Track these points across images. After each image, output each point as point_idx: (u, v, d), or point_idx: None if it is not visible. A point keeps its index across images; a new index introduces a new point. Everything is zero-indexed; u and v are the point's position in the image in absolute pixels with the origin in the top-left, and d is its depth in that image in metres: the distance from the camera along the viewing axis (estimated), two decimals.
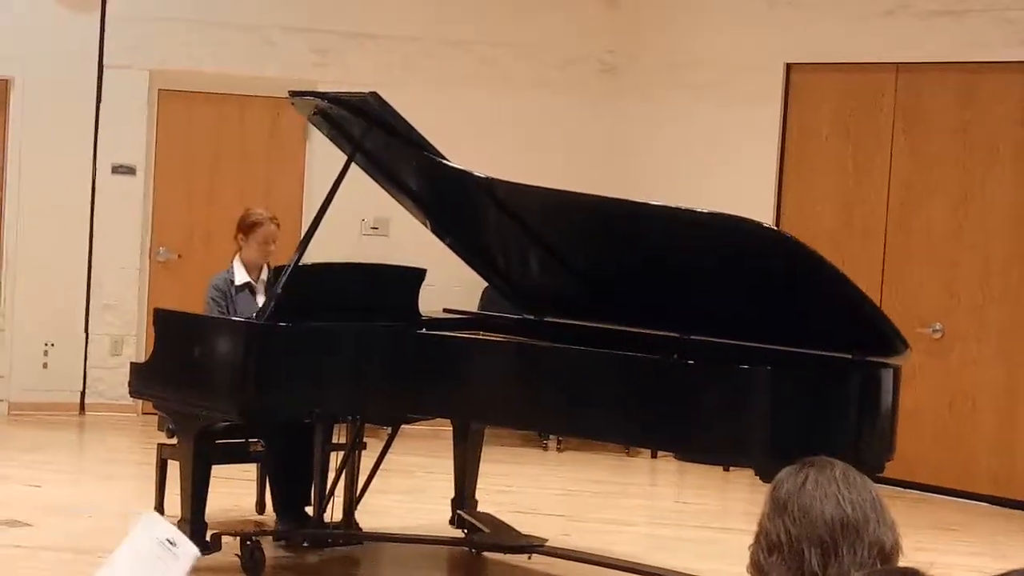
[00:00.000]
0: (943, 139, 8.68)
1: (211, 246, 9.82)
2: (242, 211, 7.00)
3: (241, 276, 6.73)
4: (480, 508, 6.74)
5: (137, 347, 9.58)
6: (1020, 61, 8.39)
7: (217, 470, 6.20)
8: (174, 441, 6.41)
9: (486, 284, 7.21)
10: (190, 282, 9.67)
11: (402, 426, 6.52)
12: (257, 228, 6.77)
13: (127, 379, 6.36)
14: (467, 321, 6.62)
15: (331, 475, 6.24)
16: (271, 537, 6.26)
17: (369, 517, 6.60)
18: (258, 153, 9.95)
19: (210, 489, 6.04)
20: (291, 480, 6.39)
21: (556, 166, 9.24)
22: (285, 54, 9.82)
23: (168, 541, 2.56)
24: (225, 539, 6.03)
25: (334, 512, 6.29)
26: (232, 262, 6.82)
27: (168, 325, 6.17)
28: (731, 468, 8.77)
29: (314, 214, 6.16)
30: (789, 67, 9.33)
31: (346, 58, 9.86)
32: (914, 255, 8.76)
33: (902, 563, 2.17)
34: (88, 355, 9.70)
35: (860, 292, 5.14)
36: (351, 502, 6.39)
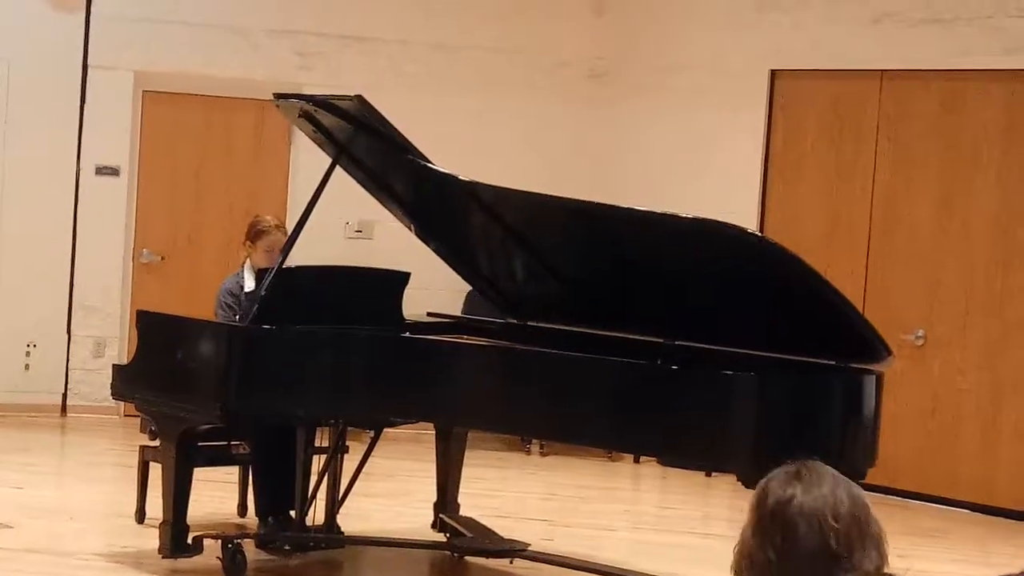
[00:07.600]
0: (927, 146, 8.69)
1: (195, 248, 9.80)
2: (251, 218, 7.00)
3: (250, 283, 6.68)
4: (462, 512, 6.73)
5: (120, 349, 9.55)
6: (1005, 69, 8.41)
7: (199, 472, 6.19)
8: (156, 443, 6.39)
9: (470, 288, 7.21)
10: (173, 284, 9.66)
11: (385, 429, 6.51)
12: (263, 236, 6.75)
13: (109, 381, 6.35)
14: (451, 325, 6.62)
15: (313, 478, 6.23)
16: (253, 540, 6.23)
17: (351, 521, 6.58)
18: (243, 155, 9.93)
19: (192, 491, 6.02)
20: (273, 483, 6.37)
21: (543, 171, 9.22)
22: (270, 56, 9.80)
23: None
24: (207, 542, 6.02)
25: (316, 515, 6.28)
26: (242, 267, 6.81)
27: (151, 327, 6.16)
28: (713, 473, 8.79)
29: (298, 217, 6.16)
30: (774, 73, 9.34)
31: (332, 61, 9.85)
32: (897, 262, 8.78)
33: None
34: (70, 357, 9.66)
35: (843, 298, 5.15)
36: (333, 505, 6.37)
